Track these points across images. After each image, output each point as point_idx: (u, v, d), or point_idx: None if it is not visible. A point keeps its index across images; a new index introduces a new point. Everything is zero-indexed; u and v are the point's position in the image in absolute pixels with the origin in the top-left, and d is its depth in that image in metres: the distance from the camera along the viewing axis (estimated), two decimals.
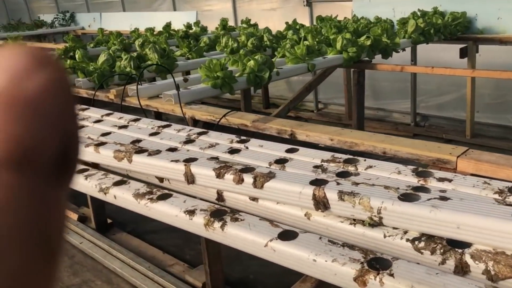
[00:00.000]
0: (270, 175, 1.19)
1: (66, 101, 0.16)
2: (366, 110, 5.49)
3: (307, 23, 5.18)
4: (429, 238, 0.96)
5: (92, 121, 2.10)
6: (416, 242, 0.96)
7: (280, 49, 3.06)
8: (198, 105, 2.19)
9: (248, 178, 1.21)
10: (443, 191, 1.06)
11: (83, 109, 2.31)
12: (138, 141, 1.75)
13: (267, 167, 1.38)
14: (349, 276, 0.92)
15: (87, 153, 1.63)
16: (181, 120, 2.31)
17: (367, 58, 3.13)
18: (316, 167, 1.34)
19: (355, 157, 1.35)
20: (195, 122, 2.14)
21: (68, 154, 0.17)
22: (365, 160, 1.32)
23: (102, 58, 2.95)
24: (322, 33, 3.37)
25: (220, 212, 1.20)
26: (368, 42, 3.06)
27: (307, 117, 5.31)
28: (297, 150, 1.48)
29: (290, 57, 2.74)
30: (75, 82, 2.80)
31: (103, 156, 1.58)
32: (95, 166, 1.70)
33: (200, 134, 1.77)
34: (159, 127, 1.92)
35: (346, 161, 1.33)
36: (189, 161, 1.38)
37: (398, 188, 1.08)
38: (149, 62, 3.00)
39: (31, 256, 0.16)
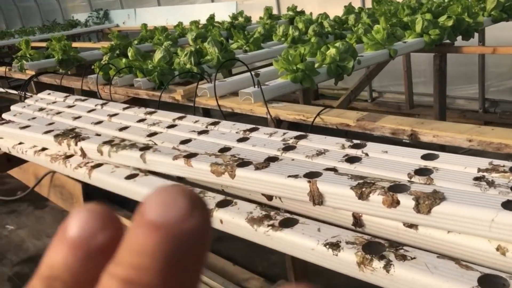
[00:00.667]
0: (438, 196, 0.91)
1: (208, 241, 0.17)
2: (425, 97, 5.14)
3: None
4: None
5: (165, 126, 1.86)
6: None
7: (352, 34, 2.76)
8: (280, 103, 1.93)
9: (405, 200, 0.94)
10: None
11: (150, 113, 2.08)
12: (227, 149, 1.50)
13: (408, 181, 1.11)
14: None
15: (177, 167, 1.39)
16: (254, 121, 2.05)
17: (448, 41, 2.80)
18: (477, 179, 1.05)
19: None
20: (279, 123, 1.88)
21: None
22: None
23: (158, 55, 2.73)
24: (397, 15, 3.04)
25: (375, 246, 0.94)
26: (450, 23, 2.73)
27: (362, 108, 4.99)
28: (436, 156, 1.20)
29: (369, 43, 2.45)
30: (134, 83, 2.58)
31: (196, 170, 1.34)
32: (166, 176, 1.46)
33: (298, 138, 1.51)
34: (245, 131, 1.67)
35: None
36: (311, 176, 1.12)
37: None
38: (209, 57, 2.76)
39: None
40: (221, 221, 1.19)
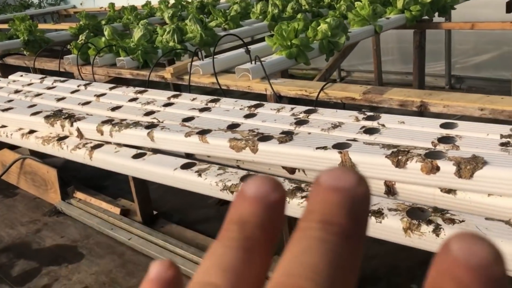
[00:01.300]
0: (480, 161, 0.93)
1: None
2: (391, 75, 5.25)
3: None
4: None
5: (161, 105, 1.80)
6: None
7: (334, 11, 2.76)
8: (279, 79, 1.91)
9: (445, 166, 0.95)
10: None
11: (141, 92, 2.01)
12: (235, 125, 1.47)
13: (433, 149, 1.13)
14: None
15: (190, 144, 1.35)
16: (251, 98, 2.02)
17: (426, 17, 2.85)
18: (503, 144, 1.08)
19: None
20: (279, 99, 1.86)
21: None
22: None
23: (138, 33, 2.63)
24: None
25: (417, 212, 0.95)
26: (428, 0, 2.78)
27: None
28: (456, 125, 1.22)
29: (355, 19, 2.45)
30: (116, 62, 2.48)
31: (213, 146, 1.31)
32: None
33: (308, 112, 1.50)
34: (249, 107, 1.64)
35: None
36: (340, 147, 1.12)
37: None
38: (191, 35, 2.69)
39: None
40: None
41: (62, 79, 2.44)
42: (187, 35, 2.68)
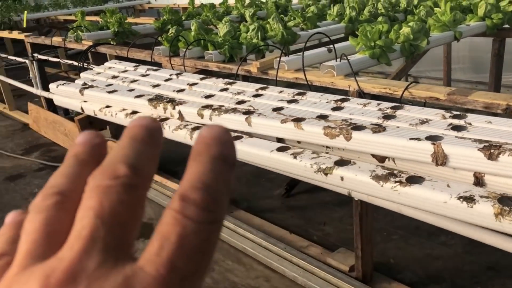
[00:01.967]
0: None
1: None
2: (461, 83, 5.18)
3: None
4: None
5: (251, 95, 1.96)
6: None
7: (413, 16, 2.82)
8: (362, 76, 2.01)
9: None
10: None
11: (230, 83, 2.17)
12: (324, 116, 1.59)
13: None
14: None
15: (285, 130, 1.49)
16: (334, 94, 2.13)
17: (507, 26, 2.85)
18: None
19: None
20: (360, 96, 1.96)
21: None
22: None
23: (223, 29, 2.81)
24: None
25: (508, 200, 1.03)
26: (511, 8, 2.78)
27: None
28: None
29: (436, 24, 2.51)
30: (204, 55, 2.67)
31: (307, 133, 1.44)
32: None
33: (394, 108, 1.59)
34: (335, 101, 1.76)
35: None
36: (432, 139, 1.22)
37: None
38: (272, 33, 2.83)
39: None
40: (342, 178, 1.29)
41: (154, 68, 2.66)
42: (268, 33, 2.83)
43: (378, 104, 1.65)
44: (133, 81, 2.46)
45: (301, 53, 2.27)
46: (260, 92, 2.02)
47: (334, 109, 1.67)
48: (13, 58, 5.31)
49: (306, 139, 1.46)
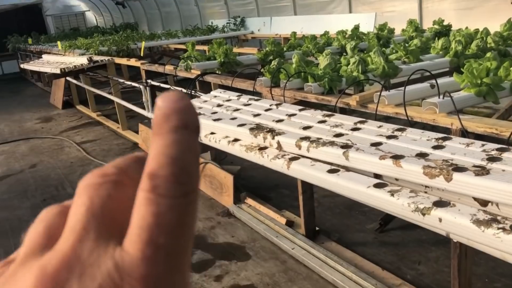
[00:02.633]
0: None
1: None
2: None
3: None
4: None
5: (349, 129, 1.98)
6: None
7: None
8: (466, 115, 1.95)
9: None
10: None
11: (328, 115, 2.22)
12: (423, 154, 1.57)
13: None
14: None
15: (383, 166, 1.50)
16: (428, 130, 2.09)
17: None
18: None
19: None
20: (464, 136, 1.91)
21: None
22: None
23: (324, 62, 2.88)
24: None
25: None
26: None
27: None
28: None
29: None
30: (304, 87, 2.76)
31: (406, 171, 1.44)
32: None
33: (500, 150, 1.53)
34: (437, 139, 1.72)
35: None
36: None
37: None
38: (373, 66, 2.85)
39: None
40: (440, 220, 1.27)
41: (255, 97, 2.80)
42: (369, 66, 2.85)
43: (483, 145, 1.59)
44: (236, 109, 2.61)
45: (402, 88, 2.27)
46: (358, 125, 2.04)
47: (435, 147, 1.65)
48: (129, 82, 5.85)
49: (404, 177, 1.46)
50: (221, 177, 3.84)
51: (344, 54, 3.84)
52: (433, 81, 2.31)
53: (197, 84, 3.93)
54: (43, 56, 8.20)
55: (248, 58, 4.22)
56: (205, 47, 6.55)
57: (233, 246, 3.23)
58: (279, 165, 1.85)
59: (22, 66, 9.38)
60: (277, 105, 2.57)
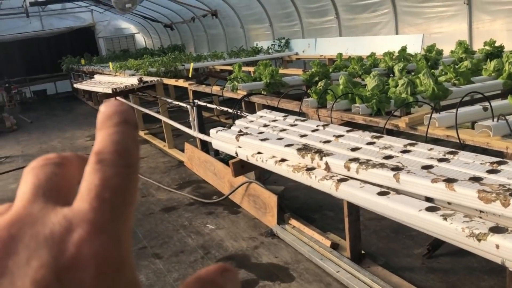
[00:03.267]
0: None
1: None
2: None
3: None
4: None
5: (398, 151, 1.96)
6: None
7: None
8: None
9: None
10: None
11: (377, 137, 2.20)
12: (477, 178, 1.53)
13: None
14: None
15: (435, 190, 1.47)
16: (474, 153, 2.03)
17: None
18: None
19: None
20: None
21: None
22: None
23: (371, 83, 2.87)
24: None
25: None
26: None
27: None
28: None
29: None
30: (352, 108, 2.75)
31: (459, 195, 1.40)
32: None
33: None
34: (491, 163, 1.68)
35: None
36: None
37: None
38: (422, 88, 2.81)
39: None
40: (497, 246, 1.23)
41: (302, 118, 2.82)
42: (418, 88, 2.81)
43: None
44: (282, 130, 2.63)
45: (453, 110, 2.22)
46: (408, 148, 2.01)
47: (489, 171, 1.60)
48: (177, 102, 6.01)
49: (458, 201, 1.42)
50: (265, 197, 3.86)
51: (392, 75, 3.81)
52: (486, 104, 2.26)
53: (242, 105, 3.99)
54: (95, 76, 8.56)
55: (293, 79, 4.25)
56: (250, 68, 6.67)
57: (277, 267, 3.21)
58: (327, 186, 1.84)
59: (75, 85, 9.83)
60: (324, 126, 2.58)
